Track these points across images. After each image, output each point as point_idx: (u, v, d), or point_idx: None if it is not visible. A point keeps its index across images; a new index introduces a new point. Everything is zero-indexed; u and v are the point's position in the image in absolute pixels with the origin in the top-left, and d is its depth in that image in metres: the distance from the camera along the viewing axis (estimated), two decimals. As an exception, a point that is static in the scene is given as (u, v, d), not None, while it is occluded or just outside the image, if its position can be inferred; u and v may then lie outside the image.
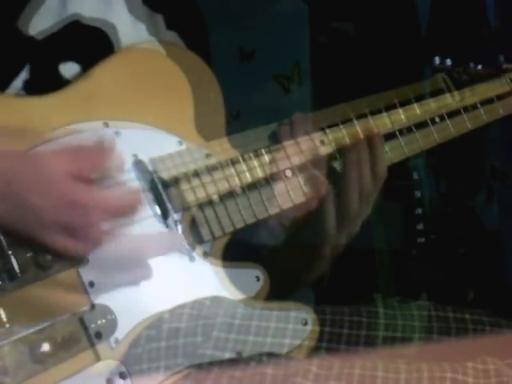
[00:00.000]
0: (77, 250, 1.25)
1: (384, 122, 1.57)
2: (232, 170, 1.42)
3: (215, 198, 1.40)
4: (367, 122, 1.53)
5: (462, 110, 1.66)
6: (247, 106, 2.31)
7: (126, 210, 1.27)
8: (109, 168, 1.26)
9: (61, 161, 1.23)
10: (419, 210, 2.29)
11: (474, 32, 2.26)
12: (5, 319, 1.21)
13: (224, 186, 1.41)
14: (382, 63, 2.32)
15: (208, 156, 1.42)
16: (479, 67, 1.75)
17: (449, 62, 1.72)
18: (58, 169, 1.22)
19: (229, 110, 1.53)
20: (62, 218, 1.22)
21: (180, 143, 1.41)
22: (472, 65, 1.75)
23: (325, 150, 1.51)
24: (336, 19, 2.39)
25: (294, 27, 2.38)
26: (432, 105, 1.64)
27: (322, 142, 1.51)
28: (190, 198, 1.38)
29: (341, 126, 1.54)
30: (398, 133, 1.58)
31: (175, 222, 1.36)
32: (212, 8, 1.67)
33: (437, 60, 1.71)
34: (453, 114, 1.66)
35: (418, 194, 2.29)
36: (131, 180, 1.35)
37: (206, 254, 1.39)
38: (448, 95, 1.67)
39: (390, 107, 1.60)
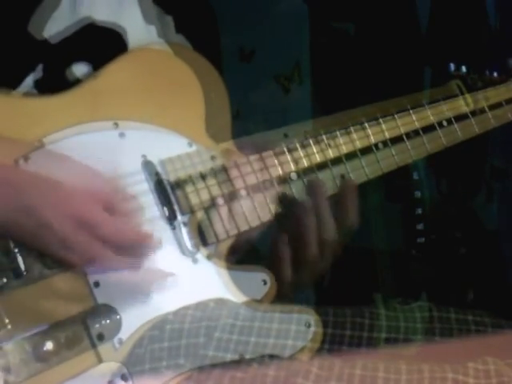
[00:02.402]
0: (81, 265, 1.25)
1: (395, 124, 1.57)
2: (237, 172, 1.42)
3: (220, 200, 1.40)
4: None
5: (469, 114, 1.66)
6: (247, 105, 2.31)
7: (135, 245, 1.27)
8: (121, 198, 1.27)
9: (73, 184, 1.24)
10: (419, 210, 2.29)
11: (474, 34, 2.26)
12: (9, 318, 1.21)
13: (229, 189, 1.41)
14: (381, 63, 2.32)
15: (213, 158, 1.42)
16: (495, 74, 1.75)
17: (464, 68, 1.71)
18: (79, 189, 1.23)
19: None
20: (70, 235, 1.22)
21: (190, 145, 1.41)
22: (487, 72, 1.75)
23: (331, 153, 1.51)
24: (336, 19, 2.39)
25: (294, 27, 2.38)
26: (444, 108, 1.64)
27: (329, 145, 1.51)
28: (198, 200, 1.38)
29: (351, 129, 1.54)
30: (404, 136, 1.58)
31: (181, 223, 1.36)
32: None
33: (452, 67, 1.71)
34: (461, 117, 1.66)
35: (418, 194, 2.29)
36: (140, 181, 1.35)
37: (209, 256, 1.39)
38: (461, 98, 1.67)
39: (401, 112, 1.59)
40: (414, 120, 1.59)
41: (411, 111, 1.59)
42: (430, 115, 1.61)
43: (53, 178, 1.24)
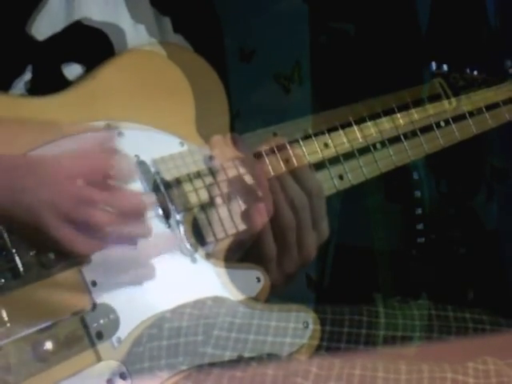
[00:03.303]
0: (81, 248, 1.25)
1: (384, 127, 1.58)
2: (230, 172, 1.42)
3: (218, 200, 1.40)
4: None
5: (467, 115, 1.67)
6: (247, 105, 2.31)
7: (133, 212, 1.28)
8: (117, 169, 1.27)
9: (70, 162, 1.24)
10: (419, 210, 2.29)
11: (474, 34, 2.26)
12: (7, 318, 1.21)
13: (226, 188, 1.41)
14: (381, 63, 2.32)
15: (205, 157, 1.42)
16: (475, 72, 1.76)
17: (445, 67, 1.72)
18: (67, 170, 1.23)
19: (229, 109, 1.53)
20: (67, 215, 1.22)
21: (181, 144, 1.42)
22: (468, 70, 1.75)
23: (328, 154, 1.51)
24: (336, 19, 2.39)
25: (294, 27, 2.38)
26: (430, 110, 1.64)
27: (326, 145, 1.51)
28: (193, 199, 1.38)
29: (341, 131, 1.54)
30: (402, 137, 1.58)
31: (177, 222, 1.37)
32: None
33: (433, 66, 1.72)
34: (458, 118, 1.66)
35: (418, 194, 2.29)
36: (133, 181, 1.35)
37: (208, 256, 1.39)
38: (445, 101, 1.68)
39: (388, 111, 1.60)
40: (401, 123, 1.60)
41: (399, 115, 1.60)
42: (417, 118, 1.62)
43: (45, 158, 1.24)
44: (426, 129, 1.62)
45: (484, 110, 1.70)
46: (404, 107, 1.62)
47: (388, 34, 2.34)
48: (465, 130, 1.67)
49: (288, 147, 1.48)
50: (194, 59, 1.48)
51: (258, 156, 1.46)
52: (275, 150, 1.47)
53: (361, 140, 1.54)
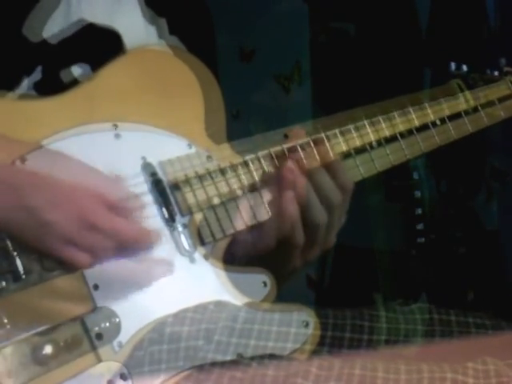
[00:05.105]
0: (81, 265, 1.25)
1: (396, 123, 1.57)
2: (233, 173, 1.42)
3: (216, 200, 1.40)
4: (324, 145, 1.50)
5: (462, 113, 1.66)
6: (247, 105, 2.32)
7: (139, 245, 1.28)
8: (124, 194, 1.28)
9: (80, 179, 1.24)
10: (419, 210, 2.30)
11: (474, 33, 2.27)
12: (7, 321, 1.21)
13: (225, 189, 1.41)
14: (381, 63, 2.32)
15: (212, 159, 1.41)
16: (496, 73, 1.75)
17: (465, 67, 1.71)
18: (82, 188, 1.23)
19: (229, 109, 1.53)
20: (74, 235, 1.22)
21: (189, 146, 1.41)
22: (488, 71, 1.75)
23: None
24: (336, 19, 2.39)
25: (294, 27, 2.39)
26: (444, 106, 1.64)
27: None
28: (194, 201, 1.37)
29: (349, 128, 1.54)
30: (398, 135, 1.57)
31: (182, 224, 1.36)
32: (212, 8, 1.68)
33: (452, 66, 1.71)
34: (454, 116, 1.66)
35: (418, 194, 2.30)
36: (139, 183, 1.35)
37: (206, 256, 1.38)
38: (460, 95, 1.67)
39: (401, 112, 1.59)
40: (413, 118, 1.59)
41: (411, 109, 1.59)
42: (430, 113, 1.61)
43: (53, 177, 1.24)
44: (422, 127, 1.61)
45: (479, 108, 1.70)
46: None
47: (388, 34, 2.35)
48: (460, 128, 1.66)
49: (312, 144, 1.47)
50: (193, 61, 1.47)
51: (292, 151, 1.45)
52: (311, 143, 1.46)
53: (357, 139, 1.54)
